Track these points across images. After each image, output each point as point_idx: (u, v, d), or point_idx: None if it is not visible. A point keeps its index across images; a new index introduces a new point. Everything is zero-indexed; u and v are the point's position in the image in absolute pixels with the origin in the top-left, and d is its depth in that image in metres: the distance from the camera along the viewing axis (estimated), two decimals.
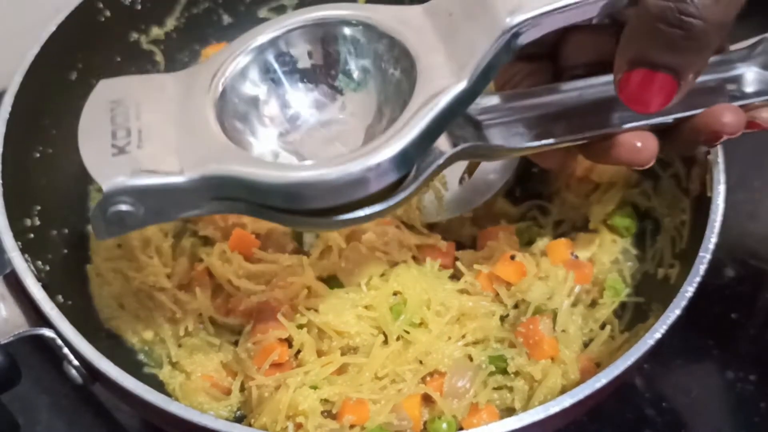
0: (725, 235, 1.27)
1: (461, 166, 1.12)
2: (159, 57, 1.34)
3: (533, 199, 1.23)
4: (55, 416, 1.08)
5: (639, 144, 0.84)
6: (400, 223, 1.13)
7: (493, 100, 0.87)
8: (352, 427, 0.91)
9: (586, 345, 1.03)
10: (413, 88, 0.72)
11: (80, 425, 1.08)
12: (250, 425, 0.94)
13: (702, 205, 0.99)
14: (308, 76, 0.83)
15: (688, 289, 0.88)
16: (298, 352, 0.97)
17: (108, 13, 1.21)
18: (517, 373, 0.97)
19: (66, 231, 1.10)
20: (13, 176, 1.01)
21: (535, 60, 0.93)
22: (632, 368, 0.83)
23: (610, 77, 0.79)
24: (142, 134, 0.75)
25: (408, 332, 0.98)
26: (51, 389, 1.10)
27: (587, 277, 1.06)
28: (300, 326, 0.97)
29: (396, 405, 0.93)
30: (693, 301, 0.88)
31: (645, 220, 1.14)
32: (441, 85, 0.70)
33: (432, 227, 1.15)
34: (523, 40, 0.71)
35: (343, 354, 0.97)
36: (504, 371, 0.98)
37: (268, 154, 0.80)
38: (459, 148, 0.78)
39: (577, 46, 0.90)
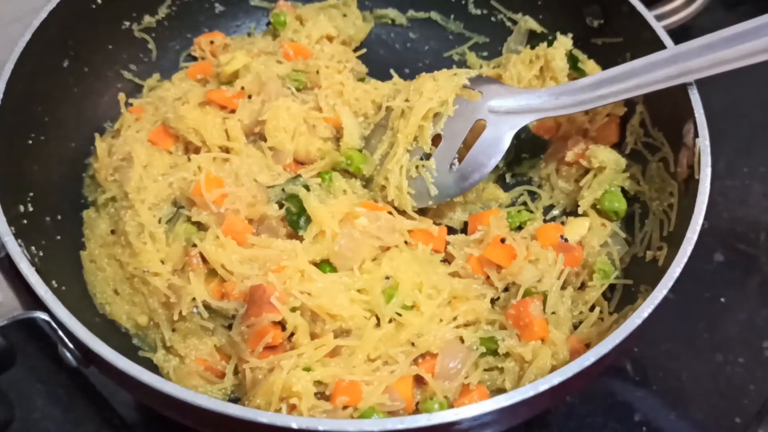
0: (715, 220, 1.29)
1: (451, 152, 1.14)
2: (151, 45, 1.34)
3: (523, 185, 1.25)
4: (51, 404, 1.08)
5: None
6: (392, 208, 1.14)
7: None
8: (345, 408, 0.91)
9: (575, 327, 1.04)
10: None
11: (75, 412, 1.08)
12: None
13: (689, 189, 1.00)
14: None
15: (676, 270, 0.89)
16: (292, 335, 0.98)
17: (100, 1, 1.21)
18: (507, 354, 0.99)
19: (60, 217, 1.11)
20: (7, 163, 1.01)
21: None
22: (621, 348, 0.84)
23: None
24: None
25: (400, 315, 0.99)
26: (46, 378, 1.10)
27: (577, 260, 1.07)
28: (293, 309, 0.97)
29: (388, 386, 0.94)
30: (683, 285, 0.89)
31: (634, 204, 1.15)
32: None
33: (423, 212, 1.16)
34: None
35: (336, 336, 0.98)
36: (495, 352, 0.99)
37: None
38: None
39: None
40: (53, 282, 0.96)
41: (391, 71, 1.35)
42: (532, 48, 1.31)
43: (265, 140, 1.19)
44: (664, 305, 0.87)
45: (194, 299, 1.02)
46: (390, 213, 1.12)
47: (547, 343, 0.97)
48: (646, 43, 1.13)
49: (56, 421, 1.07)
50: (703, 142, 0.99)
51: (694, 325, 1.19)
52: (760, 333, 1.18)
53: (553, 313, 1.01)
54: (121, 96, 1.27)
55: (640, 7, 1.17)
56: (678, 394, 1.12)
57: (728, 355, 1.15)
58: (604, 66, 1.23)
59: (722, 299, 1.21)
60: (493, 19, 1.41)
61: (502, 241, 1.05)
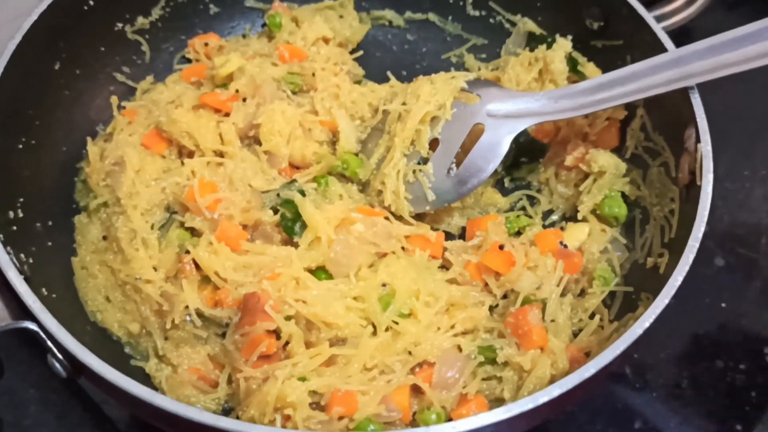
0: (715, 224, 1.28)
1: (449, 156, 1.12)
2: (144, 47, 1.32)
3: (522, 189, 1.24)
4: (44, 410, 1.07)
5: None
6: (389, 213, 1.13)
7: None
8: (340, 418, 0.90)
9: (575, 335, 1.02)
10: None
11: (69, 419, 1.07)
12: (237, 418, 0.94)
13: (691, 194, 0.99)
14: None
15: (678, 278, 0.87)
16: (287, 343, 0.96)
17: (92, 2, 1.19)
18: (506, 364, 0.97)
19: (50, 223, 1.09)
20: None
21: None
22: (622, 357, 0.83)
23: None
24: None
25: (397, 323, 0.98)
26: (39, 383, 1.08)
27: (576, 266, 1.06)
28: (288, 318, 0.96)
29: (385, 396, 0.92)
30: (683, 290, 0.88)
31: (634, 209, 1.14)
32: None
33: (421, 217, 1.15)
34: None
35: (331, 345, 0.96)
36: (493, 361, 0.98)
37: None
38: None
39: None
40: (43, 290, 0.95)
41: (388, 73, 1.33)
42: (531, 50, 1.30)
43: (259, 144, 1.17)
44: (664, 311, 0.86)
45: (187, 307, 1.00)
46: (386, 218, 1.10)
47: (547, 352, 0.96)
48: (647, 45, 1.11)
49: (49, 427, 1.06)
50: (705, 148, 0.98)
51: (695, 331, 1.18)
52: (761, 338, 1.17)
53: (553, 320, 0.99)
54: (114, 99, 1.26)
55: (641, 9, 1.15)
56: (679, 401, 1.11)
57: (729, 361, 1.14)
58: (604, 69, 1.22)
59: (723, 304, 1.20)
60: (491, 20, 1.39)
61: (501, 247, 1.04)
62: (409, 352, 0.97)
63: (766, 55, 0.95)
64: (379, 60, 1.42)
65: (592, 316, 1.03)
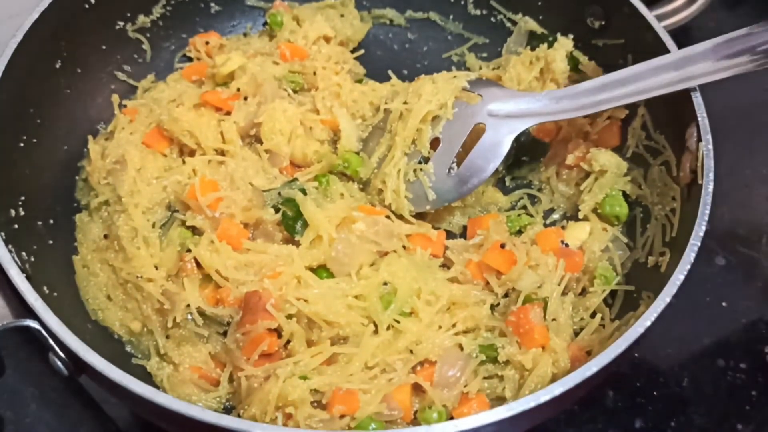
0: (716, 223, 1.27)
1: (450, 156, 1.12)
2: (146, 45, 1.32)
3: (523, 188, 1.24)
4: (44, 408, 1.07)
5: None
6: (390, 212, 1.13)
7: None
8: (342, 417, 0.90)
9: (576, 334, 1.02)
10: None
11: (69, 417, 1.07)
12: (239, 416, 0.93)
13: (692, 194, 0.99)
14: None
15: (679, 277, 0.87)
16: (288, 342, 0.96)
17: (93, 1, 1.19)
18: (507, 362, 0.97)
19: (52, 222, 1.09)
20: None
21: None
22: (623, 356, 0.83)
23: None
24: None
25: (398, 321, 0.98)
26: (39, 382, 1.08)
27: (578, 265, 1.05)
28: (289, 316, 0.96)
29: (386, 395, 0.92)
30: (684, 289, 0.88)
31: (635, 208, 1.13)
32: None
33: (422, 216, 1.15)
34: None
35: (332, 344, 0.96)
36: (494, 360, 0.98)
37: None
38: None
39: None
40: (45, 288, 0.95)
41: (389, 72, 1.34)
42: (533, 49, 1.30)
43: (261, 143, 1.17)
44: (665, 310, 0.86)
45: (188, 305, 1.00)
46: (388, 217, 1.10)
47: (548, 351, 0.96)
48: (648, 44, 1.11)
49: (49, 425, 1.06)
50: (706, 147, 0.98)
51: (695, 330, 1.18)
52: (762, 338, 1.17)
53: (554, 319, 0.99)
54: (115, 97, 1.26)
55: (642, 9, 1.15)
56: (679, 400, 1.11)
57: (730, 361, 1.14)
58: (606, 67, 1.22)
59: (723, 303, 1.20)
60: (492, 19, 1.39)
61: (502, 246, 1.04)
62: (411, 351, 0.97)
63: (766, 57, 0.95)
64: (380, 59, 1.42)
65: (593, 315, 1.03)
